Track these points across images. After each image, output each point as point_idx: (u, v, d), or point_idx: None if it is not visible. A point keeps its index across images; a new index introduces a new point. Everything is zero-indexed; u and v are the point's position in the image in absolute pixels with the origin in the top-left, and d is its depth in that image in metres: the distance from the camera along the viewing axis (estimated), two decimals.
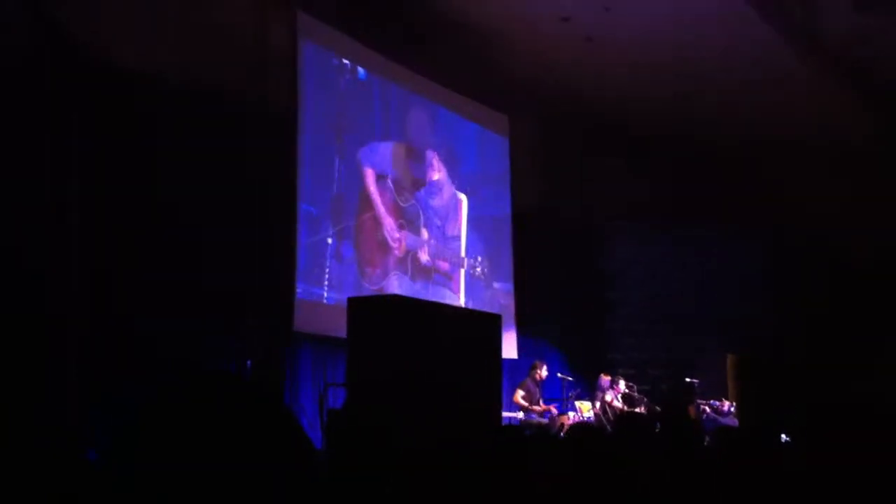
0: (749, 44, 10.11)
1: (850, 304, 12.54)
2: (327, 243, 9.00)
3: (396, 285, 9.69)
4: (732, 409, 11.81)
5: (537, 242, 12.35)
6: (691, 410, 11.29)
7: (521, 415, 10.12)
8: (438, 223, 10.57)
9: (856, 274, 12.86)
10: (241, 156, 8.19)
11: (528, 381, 10.40)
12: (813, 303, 12.88)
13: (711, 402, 11.87)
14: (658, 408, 10.82)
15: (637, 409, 11.00)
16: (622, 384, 11.49)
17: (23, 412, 5.78)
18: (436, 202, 10.55)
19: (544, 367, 10.55)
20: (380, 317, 6.54)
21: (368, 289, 9.30)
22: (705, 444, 5.62)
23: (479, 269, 11.00)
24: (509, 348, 11.04)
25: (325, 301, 8.85)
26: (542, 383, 10.60)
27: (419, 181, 10.34)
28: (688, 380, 12.09)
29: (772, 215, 13.53)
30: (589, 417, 10.76)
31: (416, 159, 10.35)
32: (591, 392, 11.55)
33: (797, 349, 12.63)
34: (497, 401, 7.58)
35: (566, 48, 10.33)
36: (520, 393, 10.23)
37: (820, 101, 11.51)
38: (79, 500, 2.18)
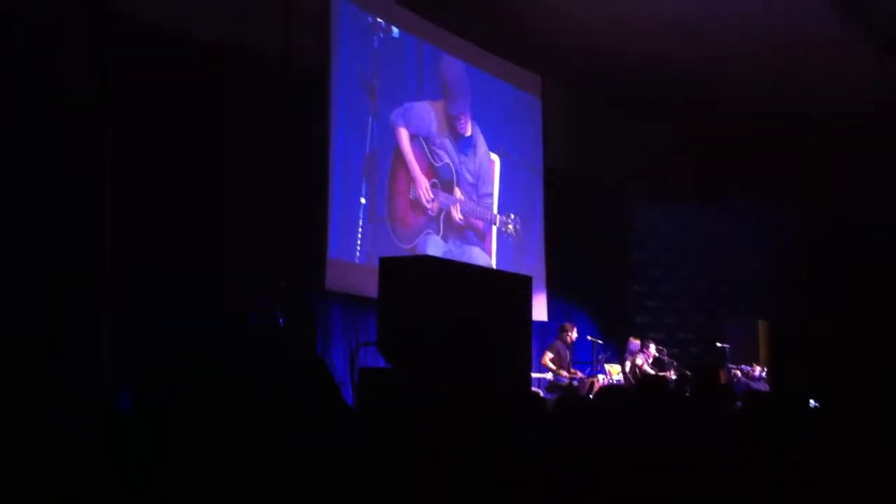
0: (784, 4, 9.93)
1: (878, 280, 12.38)
2: (360, 202, 9.02)
3: (429, 244, 9.72)
4: (764, 374, 11.77)
5: (568, 205, 12.29)
6: (722, 375, 11.26)
7: (549, 376, 10.15)
8: (471, 180, 10.55)
9: (885, 250, 12.67)
10: (273, 115, 8.20)
11: (558, 344, 10.41)
12: (840, 276, 12.74)
13: (742, 367, 11.83)
14: (688, 372, 10.81)
15: (667, 373, 11.01)
16: (653, 348, 11.48)
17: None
18: (469, 160, 10.53)
19: (574, 330, 10.54)
20: (411, 277, 6.56)
21: (401, 248, 9.32)
22: (736, 408, 5.62)
23: (511, 227, 10.99)
24: (539, 310, 11.05)
25: (356, 260, 8.89)
26: (573, 346, 10.60)
27: (452, 140, 10.32)
28: (718, 344, 12.06)
29: (803, 185, 13.35)
30: (618, 380, 10.78)
31: (448, 118, 10.31)
32: (620, 355, 11.55)
33: (824, 320, 12.53)
34: (527, 363, 7.60)
35: (597, 7, 10.20)
36: (549, 355, 10.24)
37: (857, 70, 11.28)
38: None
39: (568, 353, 10.42)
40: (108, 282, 6.68)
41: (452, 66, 10.48)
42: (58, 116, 6.49)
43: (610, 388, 9.42)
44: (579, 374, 10.38)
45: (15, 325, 5.80)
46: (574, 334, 10.50)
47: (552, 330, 10.91)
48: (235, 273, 7.76)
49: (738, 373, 11.68)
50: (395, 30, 9.67)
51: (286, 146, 8.32)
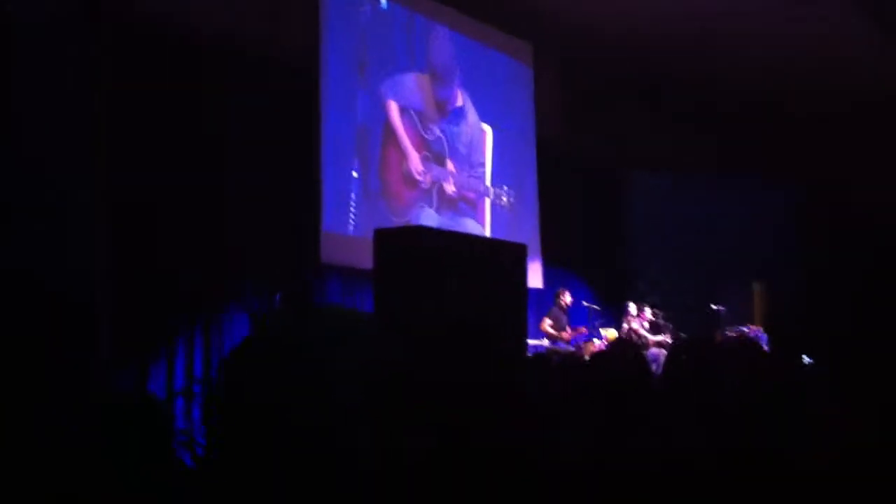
0: None
1: (878, 258, 12.44)
2: (352, 177, 9.04)
3: (422, 217, 9.75)
4: (759, 335, 11.85)
5: (562, 172, 12.32)
6: (718, 337, 11.35)
7: (546, 342, 10.24)
8: (463, 151, 10.57)
9: (884, 227, 12.72)
10: (262, 93, 8.21)
11: (555, 309, 10.54)
12: (837, 243, 12.82)
13: (738, 328, 11.92)
14: (683, 335, 10.90)
15: (663, 337, 11.11)
16: (648, 312, 11.56)
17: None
18: (460, 130, 10.54)
19: (567, 294, 10.66)
20: (406, 248, 6.60)
21: (394, 222, 9.36)
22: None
23: (505, 199, 11.01)
24: (535, 278, 11.12)
25: (351, 233, 8.93)
26: (569, 310, 10.71)
27: (443, 110, 10.32)
28: (714, 307, 12.14)
29: (800, 161, 13.37)
30: None
31: (439, 88, 10.31)
32: (617, 320, 11.63)
33: (820, 283, 12.63)
34: (523, 330, 7.65)
35: None
36: (547, 321, 10.36)
37: (856, 42, 11.24)
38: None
39: (564, 316, 10.56)
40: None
41: (441, 35, 10.45)
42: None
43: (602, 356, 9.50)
44: (582, 329, 10.47)
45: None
46: (568, 298, 10.63)
47: (548, 296, 11.00)
48: (233, 253, 7.83)
49: (734, 335, 11.76)
50: (382, 1, 9.64)
51: (278, 125, 8.35)
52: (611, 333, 11.00)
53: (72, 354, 6.16)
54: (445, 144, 10.28)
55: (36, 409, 5.49)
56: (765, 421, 3.38)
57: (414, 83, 9.98)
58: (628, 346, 5.03)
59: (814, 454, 2.97)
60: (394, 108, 9.62)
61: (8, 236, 6.06)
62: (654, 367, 4.74)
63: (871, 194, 12.86)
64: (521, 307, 7.56)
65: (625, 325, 11.23)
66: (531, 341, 9.61)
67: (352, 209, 8.99)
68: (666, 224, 13.76)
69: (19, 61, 6.27)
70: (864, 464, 2.92)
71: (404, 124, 9.72)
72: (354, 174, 9.06)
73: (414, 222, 9.58)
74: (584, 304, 11.33)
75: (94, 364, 6.46)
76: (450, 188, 10.26)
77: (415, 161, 9.79)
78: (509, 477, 2.86)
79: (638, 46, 11.78)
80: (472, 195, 10.66)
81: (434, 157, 10.09)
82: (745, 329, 11.95)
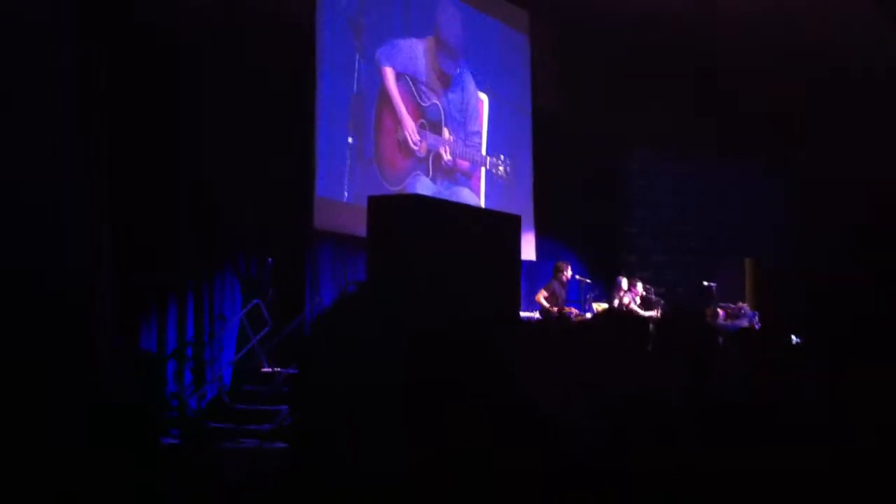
0: None
1: (870, 236, 12.42)
2: (347, 142, 8.99)
3: (417, 185, 9.71)
4: (749, 311, 11.88)
5: (557, 145, 12.26)
6: (708, 313, 11.37)
7: (537, 315, 10.24)
8: (459, 119, 10.50)
9: (879, 205, 12.68)
10: (259, 57, 8.16)
11: (555, 283, 10.51)
12: (830, 220, 12.81)
13: (728, 304, 11.94)
14: (672, 310, 10.91)
15: (653, 312, 11.11)
16: (640, 286, 11.54)
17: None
18: (457, 98, 10.47)
19: (568, 268, 10.64)
20: (399, 215, 6.56)
21: (389, 189, 9.32)
22: (720, 344, 5.68)
23: (501, 168, 10.97)
24: (528, 250, 11.10)
25: (345, 200, 8.90)
26: (567, 285, 10.72)
27: (439, 78, 10.25)
28: (705, 283, 12.14)
29: (798, 141, 13.32)
30: None
31: (435, 56, 10.23)
32: (608, 294, 11.63)
33: (814, 260, 12.64)
34: (515, 302, 7.65)
35: None
36: (543, 293, 10.34)
37: (857, 22, 11.15)
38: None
39: (563, 292, 10.54)
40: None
41: (438, 1, 10.34)
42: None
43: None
44: (573, 311, 10.47)
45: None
46: (568, 273, 10.61)
47: (540, 269, 10.99)
48: (227, 218, 7.82)
49: (724, 311, 11.79)
50: None
51: (274, 88, 8.30)
52: (602, 308, 11.01)
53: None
54: (441, 112, 10.22)
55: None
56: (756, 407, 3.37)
57: (411, 49, 9.90)
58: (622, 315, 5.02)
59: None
60: (390, 74, 9.54)
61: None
62: None
63: (869, 176, 12.82)
64: (515, 279, 7.55)
65: (616, 300, 11.23)
66: (523, 313, 9.61)
67: (346, 175, 8.94)
68: (662, 199, 13.74)
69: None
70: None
71: (400, 91, 9.65)
72: (350, 140, 9.01)
73: (409, 190, 9.54)
74: (577, 277, 11.32)
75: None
76: (445, 156, 10.21)
77: (410, 128, 9.73)
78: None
79: (641, 22, 11.68)
80: (467, 164, 10.61)
81: (430, 124, 10.03)
82: (734, 306, 11.97)
